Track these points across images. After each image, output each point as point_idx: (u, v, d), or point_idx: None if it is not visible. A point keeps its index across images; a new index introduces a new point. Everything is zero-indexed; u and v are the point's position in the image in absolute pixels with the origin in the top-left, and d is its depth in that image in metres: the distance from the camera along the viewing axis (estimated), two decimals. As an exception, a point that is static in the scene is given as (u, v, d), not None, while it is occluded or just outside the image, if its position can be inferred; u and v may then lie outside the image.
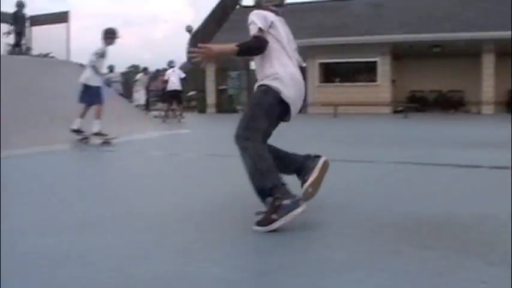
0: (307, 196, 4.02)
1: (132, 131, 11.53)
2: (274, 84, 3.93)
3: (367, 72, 25.40)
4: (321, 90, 25.30)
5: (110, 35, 10.47)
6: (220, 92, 28.15)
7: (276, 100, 3.93)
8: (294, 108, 4.04)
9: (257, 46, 4.02)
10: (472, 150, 8.80)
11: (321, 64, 25.79)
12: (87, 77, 10.39)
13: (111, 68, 25.06)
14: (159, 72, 46.41)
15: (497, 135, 11.40)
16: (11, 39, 15.29)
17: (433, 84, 26.20)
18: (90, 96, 10.27)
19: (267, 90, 3.94)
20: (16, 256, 3.17)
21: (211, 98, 28.13)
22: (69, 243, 3.43)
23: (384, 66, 24.60)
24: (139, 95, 22.20)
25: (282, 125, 4.09)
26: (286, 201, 3.65)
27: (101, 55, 10.46)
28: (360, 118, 19.81)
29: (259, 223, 3.68)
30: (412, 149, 9.10)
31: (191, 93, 36.68)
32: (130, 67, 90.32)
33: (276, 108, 3.96)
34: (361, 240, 3.44)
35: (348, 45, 24.14)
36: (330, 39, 24.40)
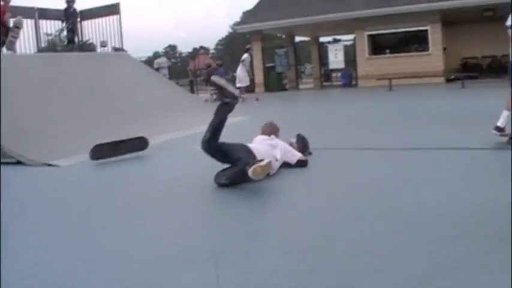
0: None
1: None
2: None
3: (418, 41, 24.85)
4: (371, 63, 24.95)
5: None
6: (267, 70, 27.89)
7: None
8: None
9: None
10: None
11: (370, 36, 25.34)
12: None
13: (156, 55, 25.40)
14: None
15: None
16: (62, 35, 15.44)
17: (486, 50, 25.51)
18: None
19: None
20: None
21: (258, 76, 27.88)
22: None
23: (435, 35, 24.00)
24: (244, 76, 21.16)
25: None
26: None
27: None
28: (415, 90, 19.38)
29: None
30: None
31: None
32: (167, 47, 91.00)
33: None
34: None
35: (396, 15, 23.59)
36: (378, 10, 23.92)
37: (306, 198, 4.89)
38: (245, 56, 21.41)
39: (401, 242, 3.46)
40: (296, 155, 6.08)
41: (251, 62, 26.75)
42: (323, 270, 3.07)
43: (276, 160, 5.75)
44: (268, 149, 5.77)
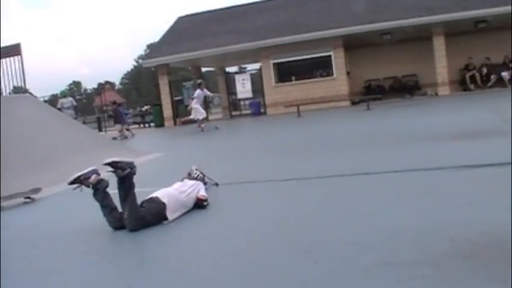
0: None
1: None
2: None
3: (322, 67, 25.42)
4: (278, 90, 25.26)
5: None
6: (176, 104, 27.70)
7: None
8: None
9: None
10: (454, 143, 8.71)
11: (275, 64, 25.69)
12: None
13: (63, 94, 24.92)
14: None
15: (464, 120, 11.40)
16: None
17: (387, 71, 26.40)
18: None
19: None
20: None
21: (167, 110, 27.67)
22: None
23: (338, 59, 24.61)
24: (201, 108, 20.25)
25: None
26: None
27: None
28: (323, 115, 19.82)
29: None
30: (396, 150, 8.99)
31: (145, 107, 36.27)
32: (71, 84, 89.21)
33: None
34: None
35: (300, 42, 24.07)
36: (281, 39, 24.33)
37: (224, 235, 4.79)
38: (197, 92, 20.42)
39: (326, 276, 3.43)
40: (195, 194, 5.86)
41: (158, 95, 26.58)
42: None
43: (182, 192, 5.68)
44: (171, 189, 5.74)
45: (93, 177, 5.39)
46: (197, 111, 19.70)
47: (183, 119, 21.43)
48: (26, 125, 11.84)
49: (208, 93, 21.16)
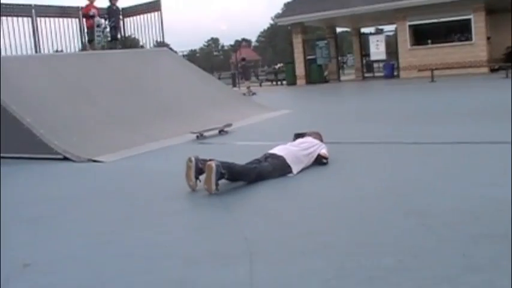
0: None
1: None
2: None
3: (460, 31, 24.48)
4: (413, 54, 24.69)
5: None
6: (308, 63, 27.83)
7: None
8: None
9: None
10: None
11: (411, 26, 25.05)
12: None
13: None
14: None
15: None
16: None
17: (531, 38, 24.96)
18: None
19: None
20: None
21: (300, 69, 27.88)
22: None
23: (478, 24, 23.56)
24: None
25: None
26: None
27: None
28: (458, 81, 19.16)
29: None
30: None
31: (278, 65, 36.74)
32: (209, 40, 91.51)
33: None
34: None
35: (438, 4, 23.23)
36: (419, 0, 23.63)
37: (338, 192, 4.95)
38: None
39: (432, 241, 3.50)
40: (318, 152, 6.08)
41: (291, 53, 26.64)
42: (351, 266, 3.16)
43: (304, 149, 5.96)
44: (293, 147, 5.95)
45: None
46: None
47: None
48: (164, 77, 12.53)
49: None
